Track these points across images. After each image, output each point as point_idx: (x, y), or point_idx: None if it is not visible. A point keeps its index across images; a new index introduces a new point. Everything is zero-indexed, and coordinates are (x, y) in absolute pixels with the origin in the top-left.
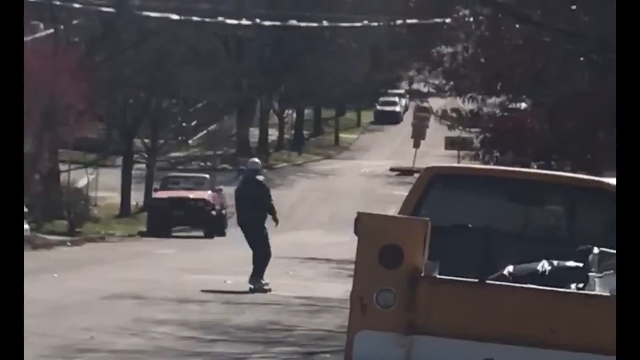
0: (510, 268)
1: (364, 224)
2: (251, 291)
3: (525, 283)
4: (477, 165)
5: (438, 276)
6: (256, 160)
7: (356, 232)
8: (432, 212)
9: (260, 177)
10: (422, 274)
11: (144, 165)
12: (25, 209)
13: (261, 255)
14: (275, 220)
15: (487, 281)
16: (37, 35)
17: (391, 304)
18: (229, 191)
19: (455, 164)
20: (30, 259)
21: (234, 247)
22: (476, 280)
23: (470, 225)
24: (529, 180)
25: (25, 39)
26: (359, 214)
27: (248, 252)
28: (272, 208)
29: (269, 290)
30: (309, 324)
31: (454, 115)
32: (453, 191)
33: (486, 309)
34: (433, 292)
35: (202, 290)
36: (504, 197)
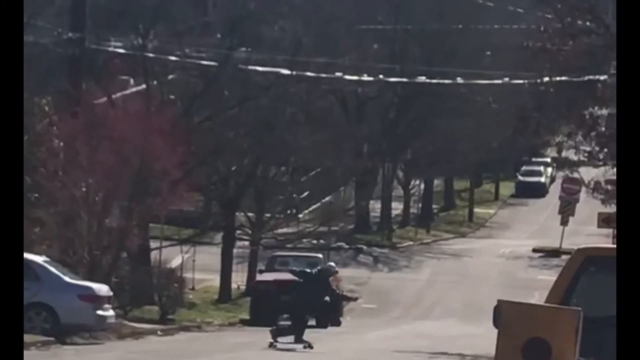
0: None
1: (505, 313)
2: None
3: None
4: None
5: None
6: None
7: (495, 322)
8: (584, 301)
9: None
10: None
11: (247, 243)
12: (110, 292)
13: None
14: None
15: None
16: (127, 91)
17: None
18: (346, 273)
19: (611, 245)
20: (116, 350)
21: (350, 337)
22: None
23: None
24: None
25: (114, 95)
26: (499, 301)
27: (371, 346)
28: None
29: None
30: None
31: (609, 187)
32: (609, 276)
33: None
34: None
35: None
36: None
